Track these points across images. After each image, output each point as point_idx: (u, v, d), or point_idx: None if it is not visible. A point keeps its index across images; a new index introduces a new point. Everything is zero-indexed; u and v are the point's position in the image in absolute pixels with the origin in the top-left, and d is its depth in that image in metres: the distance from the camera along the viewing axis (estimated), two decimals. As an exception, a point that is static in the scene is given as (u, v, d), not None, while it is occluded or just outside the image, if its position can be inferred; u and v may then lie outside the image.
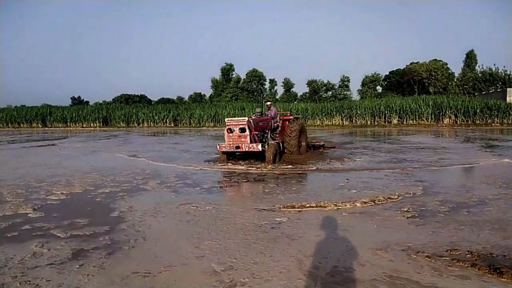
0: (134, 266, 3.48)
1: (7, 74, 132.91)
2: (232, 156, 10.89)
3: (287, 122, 11.82)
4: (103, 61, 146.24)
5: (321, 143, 13.15)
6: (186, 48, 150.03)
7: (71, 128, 37.23)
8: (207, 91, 68.38)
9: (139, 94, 72.21)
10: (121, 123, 37.76)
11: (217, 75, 64.11)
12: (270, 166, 9.46)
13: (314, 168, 9.25)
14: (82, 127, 38.01)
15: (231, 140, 10.05)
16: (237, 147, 9.95)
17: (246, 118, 10.02)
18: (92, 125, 38.19)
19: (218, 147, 10.34)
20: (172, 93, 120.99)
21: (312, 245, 3.99)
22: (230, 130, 10.07)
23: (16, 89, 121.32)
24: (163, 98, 72.04)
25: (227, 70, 63.11)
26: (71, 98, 76.82)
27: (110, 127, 37.20)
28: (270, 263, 3.47)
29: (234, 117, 35.54)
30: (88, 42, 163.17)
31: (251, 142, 10.03)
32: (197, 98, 67.91)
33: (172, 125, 36.22)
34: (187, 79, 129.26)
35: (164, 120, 36.57)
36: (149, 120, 36.94)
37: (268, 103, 11.95)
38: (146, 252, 3.83)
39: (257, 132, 10.51)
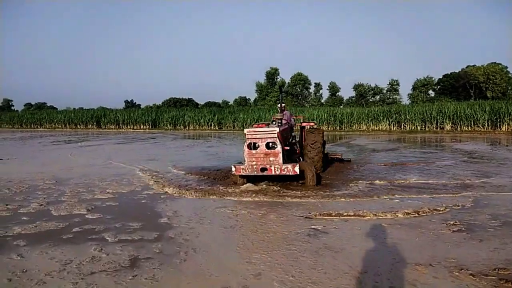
0: (186, 284, 3.35)
1: (67, 78, 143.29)
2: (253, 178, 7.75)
3: (306, 130, 9.59)
4: (155, 65, 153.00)
5: (338, 155, 11.35)
6: (233, 52, 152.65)
7: (123, 130, 39.23)
8: (252, 95, 68.96)
9: (187, 98, 74.40)
10: (169, 125, 39.15)
11: (262, 79, 64.54)
12: (312, 191, 6.97)
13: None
14: (133, 129, 39.89)
15: (254, 159, 7.20)
16: (263, 170, 7.12)
17: (277, 129, 7.26)
18: (142, 127, 39.94)
19: (233, 169, 7.32)
20: (218, 97, 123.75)
21: (357, 259, 3.87)
22: (253, 146, 7.29)
23: (75, 93, 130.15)
24: (209, 101, 73.69)
25: (272, 74, 63.27)
26: (125, 101, 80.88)
27: (159, 129, 38.70)
28: (328, 282, 3.31)
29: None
30: (143, 47, 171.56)
31: (283, 161, 7.25)
32: (242, 102, 68.70)
33: (217, 128, 36.94)
34: (232, 83, 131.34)
35: (209, 123, 37.39)
36: (194, 123, 37.94)
37: (279, 105, 9.54)
38: (199, 268, 3.66)
39: (287, 147, 7.88)
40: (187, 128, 38.03)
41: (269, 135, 7.26)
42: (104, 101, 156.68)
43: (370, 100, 57.89)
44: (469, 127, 27.08)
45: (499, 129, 25.83)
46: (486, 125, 26.37)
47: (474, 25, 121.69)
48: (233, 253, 4.07)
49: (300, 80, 61.34)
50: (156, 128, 39.55)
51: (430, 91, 57.52)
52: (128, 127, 40.64)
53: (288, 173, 7.11)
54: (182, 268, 3.66)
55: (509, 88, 49.95)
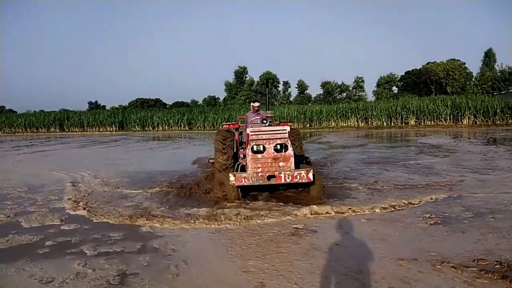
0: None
1: (26, 80, 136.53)
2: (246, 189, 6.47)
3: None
4: (119, 66, 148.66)
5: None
6: (200, 51, 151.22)
7: (88, 132, 37.82)
8: (221, 94, 68.62)
9: (154, 98, 72.96)
10: (137, 127, 38.17)
11: (231, 78, 64.30)
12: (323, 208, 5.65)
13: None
14: (99, 131, 38.55)
15: (259, 165, 5.98)
16: (271, 178, 5.92)
17: (288, 128, 6.17)
18: (108, 129, 38.69)
19: (232, 179, 5.96)
20: (186, 97, 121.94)
21: (347, 258, 3.86)
22: (259, 149, 6.08)
23: (35, 94, 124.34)
24: (177, 101, 72.62)
25: (240, 73, 63.20)
26: (88, 103, 78.22)
27: (126, 130, 37.65)
28: (331, 286, 3.25)
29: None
30: (104, 47, 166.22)
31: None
32: (211, 101, 68.19)
33: (187, 128, 36.41)
34: (201, 83, 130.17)
35: (179, 124, 36.78)
36: (163, 124, 37.21)
37: (256, 104, 8.16)
38: (195, 284, 3.38)
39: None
40: (156, 129, 37.26)
41: (278, 136, 6.05)
42: (66, 103, 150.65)
43: (337, 97, 59.15)
44: (432, 122, 28.21)
45: (460, 122, 27.10)
46: (448, 119, 27.56)
47: (434, 22, 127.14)
48: (227, 262, 3.86)
49: (269, 78, 61.60)
50: (123, 129, 38.46)
51: (394, 88, 59.54)
52: (94, 129, 39.25)
53: (301, 181, 5.87)
54: (177, 285, 3.36)
55: (468, 83, 52.52)
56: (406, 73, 59.25)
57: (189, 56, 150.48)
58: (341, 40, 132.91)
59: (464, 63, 54.82)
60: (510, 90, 40.29)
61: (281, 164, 5.99)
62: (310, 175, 5.86)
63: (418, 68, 58.38)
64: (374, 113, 30.59)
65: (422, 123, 28.48)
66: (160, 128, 37.18)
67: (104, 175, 9.57)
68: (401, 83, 59.47)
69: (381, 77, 58.49)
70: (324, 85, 60.15)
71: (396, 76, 58.74)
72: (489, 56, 53.66)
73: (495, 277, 3.26)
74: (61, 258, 4.03)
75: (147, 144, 20.89)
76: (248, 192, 6.57)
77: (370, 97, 58.58)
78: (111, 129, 38.68)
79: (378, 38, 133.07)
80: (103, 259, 3.96)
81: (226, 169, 7.25)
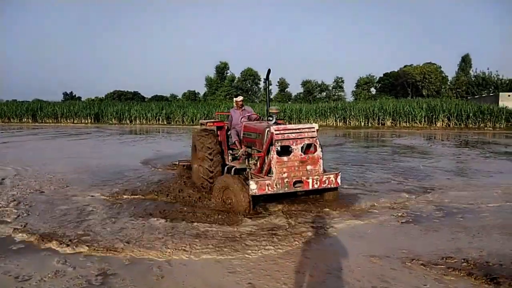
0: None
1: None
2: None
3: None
4: (96, 57, 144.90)
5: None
6: (181, 45, 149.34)
7: (62, 124, 36.72)
8: (202, 90, 68.06)
9: (132, 91, 71.60)
10: (113, 119, 37.32)
11: (212, 73, 63.83)
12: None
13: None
14: (73, 123, 37.48)
15: (285, 169, 5.12)
16: (297, 183, 5.15)
17: (316, 125, 5.48)
18: (83, 121, 37.65)
19: (254, 187, 4.94)
20: (165, 91, 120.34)
21: (325, 256, 3.88)
22: (285, 150, 5.27)
23: (7, 83, 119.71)
24: (156, 95, 71.54)
25: (221, 69, 62.81)
26: (63, 94, 75.92)
27: (102, 123, 36.76)
28: (319, 286, 3.25)
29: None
30: (81, 36, 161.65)
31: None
32: (191, 96, 67.52)
33: (165, 122, 35.90)
34: (181, 77, 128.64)
35: (157, 118, 36.21)
36: (141, 117, 36.53)
37: (240, 98, 7.31)
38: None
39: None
40: (134, 122, 36.55)
41: (307, 134, 5.25)
42: (40, 93, 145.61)
43: (317, 97, 59.72)
44: (408, 123, 28.86)
45: (434, 125, 27.83)
46: (423, 121, 28.27)
47: (412, 26, 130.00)
48: (212, 264, 3.72)
49: (250, 75, 61.56)
50: (99, 122, 37.54)
51: (372, 89, 60.63)
52: (68, 121, 38.12)
53: (329, 185, 5.32)
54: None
55: (443, 86, 54.02)
56: (384, 75, 60.41)
57: (169, 50, 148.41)
58: (322, 40, 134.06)
59: (440, 67, 56.38)
60: (483, 95, 41.76)
61: (308, 167, 5.22)
62: (339, 180, 5.40)
63: (396, 70, 59.64)
64: (352, 113, 31.04)
65: (398, 124, 29.12)
66: (138, 121, 36.50)
67: (61, 169, 9.05)
68: (379, 84, 60.62)
69: (360, 78, 59.43)
70: (305, 84, 60.59)
71: (374, 77, 59.83)
72: (465, 61, 55.32)
73: (462, 274, 3.36)
74: None
75: (120, 138, 20.28)
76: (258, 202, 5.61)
77: (349, 97, 59.50)
78: (86, 121, 37.68)
79: (359, 39, 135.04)
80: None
81: (212, 178, 6.42)
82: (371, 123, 30.42)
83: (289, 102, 52.59)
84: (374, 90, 60.66)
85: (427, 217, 5.17)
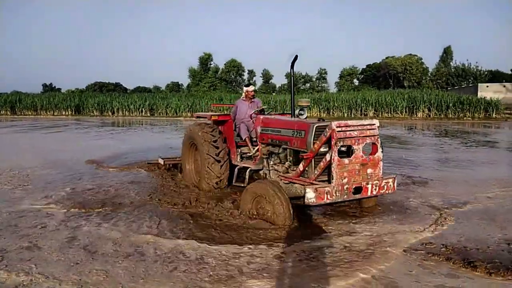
0: None
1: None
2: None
3: None
4: (76, 47, 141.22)
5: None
6: (164, 36, 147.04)
7: (42, 116, 35.81)
8: (185, 81, 67.34)
9: (114, 82, 70.38)
10: (95, 111, 36.58)
11: (196, 64, 63.21)
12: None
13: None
14: (53, 115, 36.59)
15: (346, 174, 4.25)
16: (358, 191, 4.33)
17: (376, 121, 4.61)
18: (64, 113, 36.78)
19: (312, 195, 4.06)
20: (148, 82, 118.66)
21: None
22: (348, 151, 4.63)
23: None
24: (139, 86, 70.53)
25: (205, 60, 62.27)
26: (43, 85, 74.09)
27: (83, 115, 36.03)
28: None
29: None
30: (61, 27, 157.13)
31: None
32: (174, 87, 66.84)
33: (148, 114, 35.42)
34: (164, 68, 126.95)
35: (140, 109, 35.67)
36: (124, 109, 35.92)
37: (251, 88, 6.55)
38: None
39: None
40: (116, 114, 35.94)
41: (369, 132, 4.39)
42: (19, 85, 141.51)
43: (301, 88, 59.97)
44: (389, 114, 29.33)
45: (415, 115, 28.35)
46: (404, 112, 28.77)
47: (394, 18, 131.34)
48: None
49: (234, 66, 61.27)
50: (80, 114, 36.76)
51: (355, 80, 61.26)
52: (48, 113, 37.18)
53: (387, 192, 4.57)
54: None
55: (424, 78, 54.99)
56: (367, 66, 61.12)
57: (152, 41, 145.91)
58: (305, 31, 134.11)
59: (421, 59, 57.33)
60: (463, 86, 42.72)
61: (369, 171, 4.36)
62: (396, 184, 4.65)
63: (378, 62, 60.34)
64: (336, 105, 31.31)
65: (380, 115, 29.54)
66: (120, 113, 35.90)
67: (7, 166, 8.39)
68: (362, 76, 61.29)
69: (343, 69, 59.94)
70: (289, 75, 60.69)
71: (357, 69, 60.44)
72: (447, 53, 56.36)
73: (441, 259, 3.48)
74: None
75: (99, 130, 19.70)
76: None
77: (333, 88, 59.99)
78: (67, 113, 36.83)
79: (342, 31, 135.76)
80: None
81: (220, 182, 5.78)
82: (354, 114, 30.76)
83: (274, 94, 52.64)
84: (357, 81, 61.32)
85: (409, 205, 5.30)
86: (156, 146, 11.69)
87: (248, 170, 5.44)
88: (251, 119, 6.00)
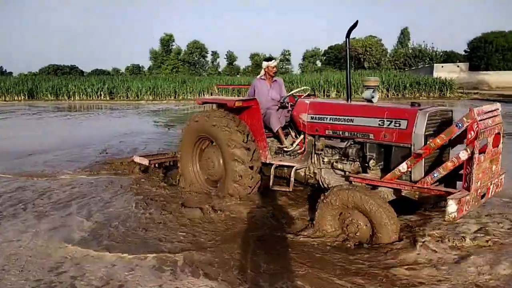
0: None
1: None
2: None
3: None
4: (28, 29, 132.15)
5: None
6: (123, 16, 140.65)
7: (-9, 102, 33.58)
8: (146, 63, 65.24)
9: (70, 65, 66.97)
10: (49, 95, 34.76)
11: (157, 46, 61.24)
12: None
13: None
14: (5, 100, 34.38)
15: (480, 175, 3.27)
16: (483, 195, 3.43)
17: (498, 105, 3.58)
18: (16, 98, 34.68)
19: (454, 208, 3.00)
20: (107, 65, 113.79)
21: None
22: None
23: None
24: (97, 69, 67.60)
25: (166, 41, 60.41)
26: (-10, 69, 69.06)
27: (37, 100, 34.14)
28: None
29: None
30: (11, 7, 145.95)
31: None
32: (135, 70, 64.66)
33: (108, 98, 34.14)
34: (123, 50, 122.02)
35: (99, 93, 34.28)
36: (81, 93, 34.35)
37: (274, 63, 5.31)
38: None
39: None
40: (72, 98, 34.35)
41: (497, 119, 3.42)
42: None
43: (265, 70, 59.92)
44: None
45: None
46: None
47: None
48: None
49: (197, 48, 60.00)
50: (34, 99, 34.80)
51: (318, 62, 62.00)
52: (-2, 98, 34.92)
53: (499, 190, 3.73)
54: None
55: (383, 59, 56.54)
56: (329, 47, 61.82)
57: (109, 20, 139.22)
58: (270, 12, 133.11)
59: (381, 40, 58.76)
60: (420, 67, 44.41)
61: (494, 168, 3.52)
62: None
63: (340, 43, 61.21)
64: (300, 86, 31.69)
65: (342, 96, 30.26)
66: (77, 97, 34.34)
67: None
68: (325, 57, 62.06)
69: (306, 50, 60.40)
70: (253, 57, 60.37)
71: (320, 50, 61.09)
72: (404, 34, 58.06)
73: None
74: None
75: (50, 115, 18.53)
76: None
77: (296, 70, 60.45)
78: (19, 98, 34.75)
79: (305, 12, 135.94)
80: None
81: (253, 185, 4.52)
82: (317, 95, 31.34)
83: (238, 76, 52.28)
84: (320, 63, 62.08)
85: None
86: (121, 132, 11.07)
87: (294, 169, 4.36)
88: (283, 103, 4.85)
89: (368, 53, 55.74)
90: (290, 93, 5.06)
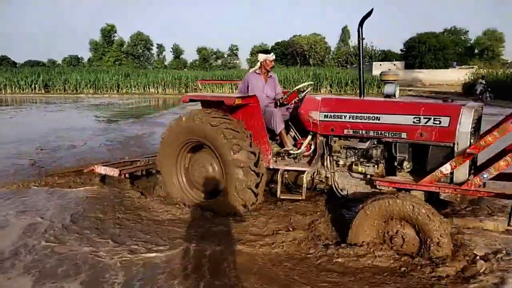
0: None
1: None
2: None
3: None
4: None
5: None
6: (59, 2, 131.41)
7: None
8: (86, 54, 61.77)
9: (0, 55, 61.49)
10: (-24, 88, 31.79)
11: (97, 36, 58.18)
12: None
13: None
14: None
15: None
16: None
17: None
18: None
19: None
20: (41, 56, 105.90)
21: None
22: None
23: None
24: (30, 60, 62.75)
25: (108, 32, 57.62)
26: None
27: (-40, 93, 31.04)
28: None
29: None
30: None
31: None
32: (73, 61, 60.99)
33: (43, 91, 31.92)
34: (60, 40, 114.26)
35: (33, 86, 31.94)
36: (13, 86, 31.80)
37: (272, 57, 4.68)
38: None
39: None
40: (3, 92, 31.69)
41: None
42: None
43: (213, 64, 59.54)
44: (297, 90, 31.09)
45: (319, 91, 30.43)
46: (312, 89, 30.72)
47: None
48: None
49: (141, 40, 57.97)
50: (-44, 92, 31.58)
51: (265, 57, 62.86)
52: None
53: None
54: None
55: (326, 56, 58.72)
56: (276, 44, 62.90)
57: (45, 7, 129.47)
58: (217, 7, 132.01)
59: (324, 38, 60.97)
60: (360, 64, 46.68)
61: None
62: None
63: (286, 40, 62.54)
64: (247, 82, 32.02)
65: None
66: (9, 91, 31.74)
67: None
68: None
69: (254, 46, 60.88)
70: (200, 51, 59.64)
71: (267, 46, 61.87)
72: (345, 33, 60.71)
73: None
74: None
75: None
76: None
77: (244, 65, 60.74)
78: None
79: (253, 7, 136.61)
80: None
81: (255, 203, 3.94)
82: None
83: (185, 70, 51.37)
84: (267, 59, 62.96)
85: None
86: (57, 128, 10.58)
87: (306, 173, 3.81)
88: (280, 102, 4.45)
89: (313, 50, 57.55)
90: (295, 88, 4.63)
